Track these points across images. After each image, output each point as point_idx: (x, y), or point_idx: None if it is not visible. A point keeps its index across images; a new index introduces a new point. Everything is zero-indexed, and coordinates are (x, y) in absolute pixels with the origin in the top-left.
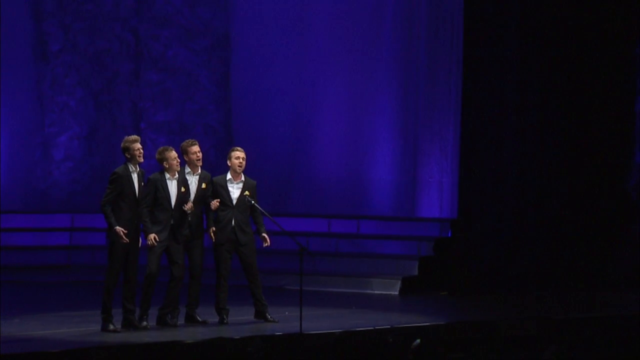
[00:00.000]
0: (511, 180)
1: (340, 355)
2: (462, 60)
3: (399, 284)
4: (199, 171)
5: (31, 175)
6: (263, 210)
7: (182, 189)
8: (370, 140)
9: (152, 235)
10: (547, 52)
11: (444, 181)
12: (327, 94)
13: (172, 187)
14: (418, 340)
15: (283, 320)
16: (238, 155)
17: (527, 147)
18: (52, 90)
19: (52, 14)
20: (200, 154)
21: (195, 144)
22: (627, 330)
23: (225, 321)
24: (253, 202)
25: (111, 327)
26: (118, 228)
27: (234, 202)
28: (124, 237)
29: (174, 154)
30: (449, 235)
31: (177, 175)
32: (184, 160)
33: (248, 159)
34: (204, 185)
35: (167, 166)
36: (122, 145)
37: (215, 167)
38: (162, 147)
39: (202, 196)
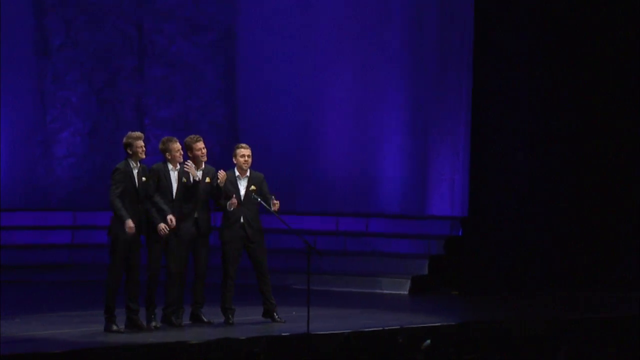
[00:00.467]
0: (523, 177)
1: (348, 356)
2: (473, 56)
3: (408, 284)
4: (203, 166)
5: (32, 172)
6: (266, 206)
7: (184, 180)
8: (379, 137)
9: (162, 225)
10: (558, 49)
11: (455, 178)
12: (335, 90)
13: (174, 178)
14: (428, 341)
15: (290, 321)
16: (243, 153)
17: (539, 144)
18: (54, 85)
19: (54, 7)
20: (205, 150)
21: (200, 140)
22: None
23: (230, 321)
24: (259, 199)
25: (114, 327)
26: (130, 221)
27: (242, 198)
28: (133, 229)
29: (177, 145)
30: (460, 233)
31: (178, 167)
32: (188, 156)
33: (254, 155)
34: (207, 180)
35: (169, 157)
36: (124, 140)
37: (220, 163)
38: (166, 138)
39: (207, 191)
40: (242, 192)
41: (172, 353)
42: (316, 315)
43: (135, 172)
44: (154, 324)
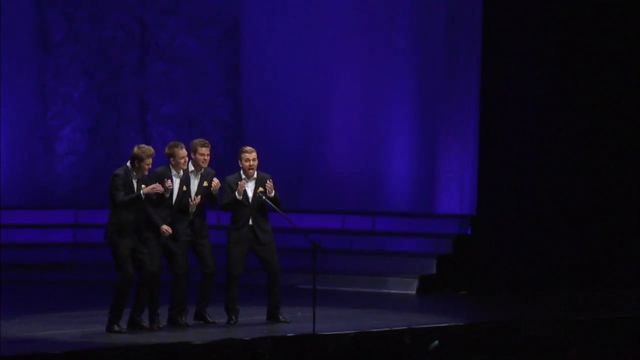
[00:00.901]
0: (532, 175)
1: (354, 357)
2: (482, 51)
3: (416, 283)
4: (202, 170)
5: (33, 170)
6: (274, 206)
7: (184, 188)
8: (386, 134)
9: (164, 227)
10: (568, 44)
11: (464, 176)
12: (341, 86)
13: (176, 183)
14: (436, 342)
15: (295, 321)
16: (248, 158)
17: (549, 141)
18: (55, 81)
19: (55, 1)
20: (207, 157)
21: (205, 146)
22: None
23: (232, 321)
24: (264, 197)
25: (116, 327)
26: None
27: (250, 200)
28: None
29: (183, 152)
30: (469, 232)
31: (181, 173)
32: (190, 156)
33: (259, 152)
34: (205, 184)
35: (173, 162)
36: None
37: (224, 161)
38: (172, 143)
39: (204, 194)
40: (250, 194)
41: (176, 354)
42: (322, 316)
43: (134, 182)
44: (156, 324)
